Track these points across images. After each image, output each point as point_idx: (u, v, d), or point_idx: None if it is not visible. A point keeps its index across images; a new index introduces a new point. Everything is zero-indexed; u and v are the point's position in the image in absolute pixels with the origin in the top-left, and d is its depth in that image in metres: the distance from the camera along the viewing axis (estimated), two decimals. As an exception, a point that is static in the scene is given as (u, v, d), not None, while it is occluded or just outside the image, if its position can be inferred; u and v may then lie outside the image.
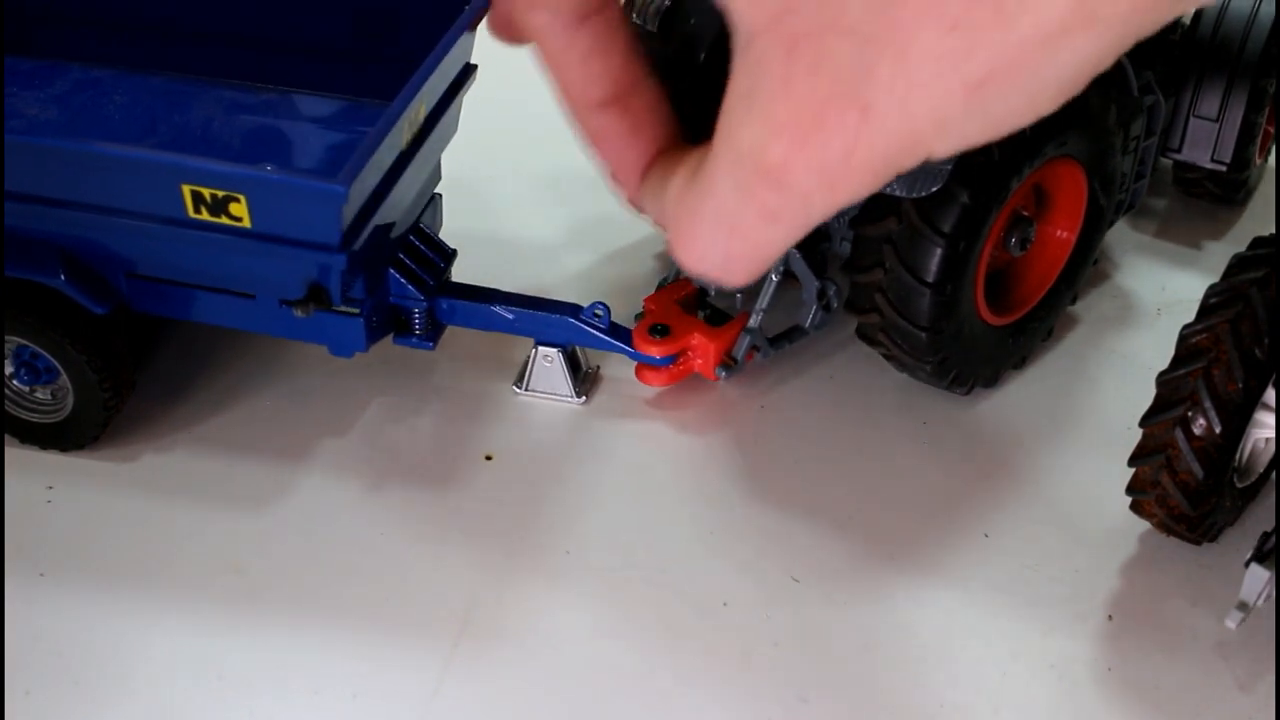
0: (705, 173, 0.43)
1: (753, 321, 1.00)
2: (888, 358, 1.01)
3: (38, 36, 1.10)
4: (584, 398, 1.02)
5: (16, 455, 0.96)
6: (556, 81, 0.48)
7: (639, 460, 0.98)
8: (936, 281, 0.92)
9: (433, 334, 0.99)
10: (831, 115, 0.39)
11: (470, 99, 1.00)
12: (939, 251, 0.91)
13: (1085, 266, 1.06)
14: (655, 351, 0.99)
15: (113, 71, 1.10)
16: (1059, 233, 1.02)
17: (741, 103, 0.41)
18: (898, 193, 0.88)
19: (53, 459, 0.96)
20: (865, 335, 1.01)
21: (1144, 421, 0.87)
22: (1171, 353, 0.87)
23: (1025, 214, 0.98)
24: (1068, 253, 1.03)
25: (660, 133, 0.50)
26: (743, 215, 0.42)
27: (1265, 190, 1.26)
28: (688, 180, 0.45)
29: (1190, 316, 0.88)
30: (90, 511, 0.93)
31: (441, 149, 1.00)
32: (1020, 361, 1.06)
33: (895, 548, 0.92)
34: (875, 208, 0.93)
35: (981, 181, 0.89)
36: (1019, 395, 1.04)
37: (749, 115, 0.40)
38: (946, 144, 0.39)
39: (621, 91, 0.48)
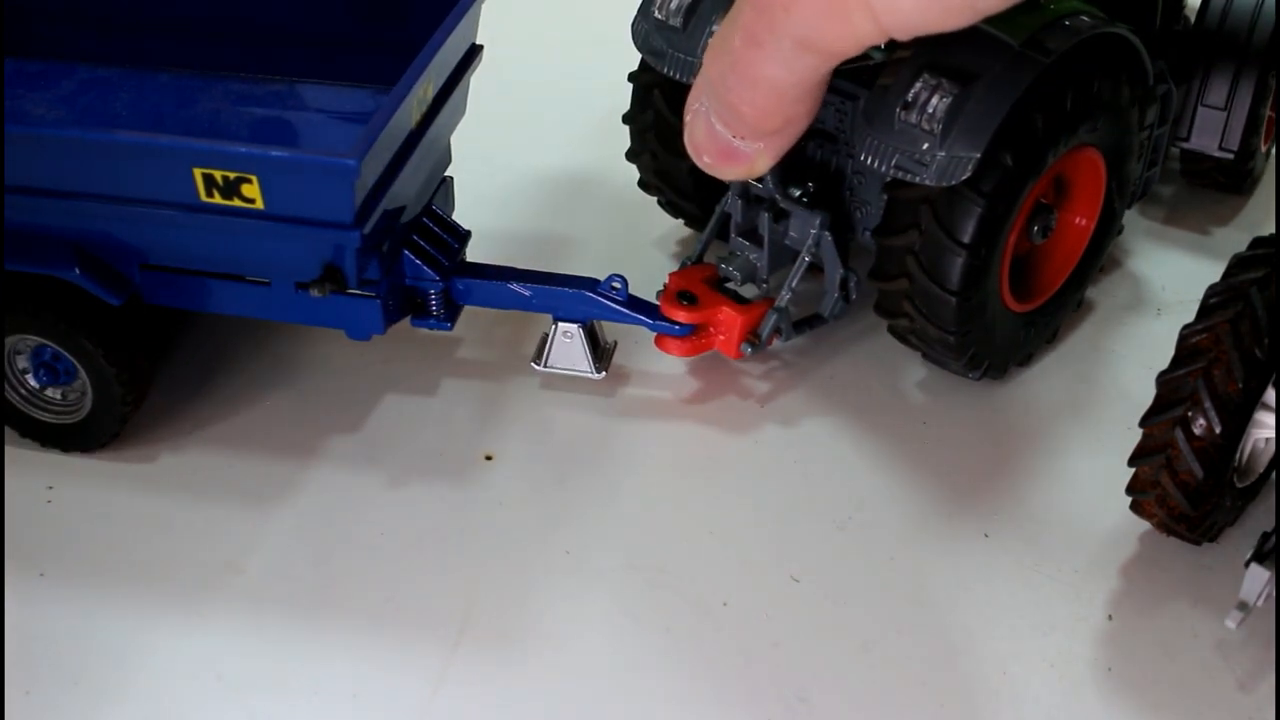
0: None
1: (781, 301, 1.00)
2: (908, 332, 1.00)
3: (43, 37, 1.10)
4: (603, 373, 1.02)
5: (16, 455, 0.96)
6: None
7: (639, 460, 0.98)
8: (972, 243, 0.92)
9: (450, 315, 0.99)
10: None
11: (481, 84, 1.00)
12: (978, 212, 0.91)
13: (1094, 266, 1.07)
14: (682, 317, 0.99)
15: (119, 70, 1.10)
16: (1078, 220, 1.04)
17: None
18: (928, 181, 0.89)
19: (53, 458, 0.96)
20: (887, 308, 1.00)
21: (1144, 421, 0.87)
22: (1171, 352, 0.87)
23: (1045, 202, 0.99)
24: (1085, 241, 1.04)
25: None
26: (733, 37, 0.54)
27: (1269, 180, 1.26)
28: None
29: (1190, 316, 0.88)
30: (90, 511, 0.93)
31: (451, 130, 1.01)
32: (1025, 358, 1.06)
33: (895, 548, 0.92)
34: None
35: (1023, 147, 0.91)
36: (1019, 395, 1.04)
37: None
38: None
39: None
